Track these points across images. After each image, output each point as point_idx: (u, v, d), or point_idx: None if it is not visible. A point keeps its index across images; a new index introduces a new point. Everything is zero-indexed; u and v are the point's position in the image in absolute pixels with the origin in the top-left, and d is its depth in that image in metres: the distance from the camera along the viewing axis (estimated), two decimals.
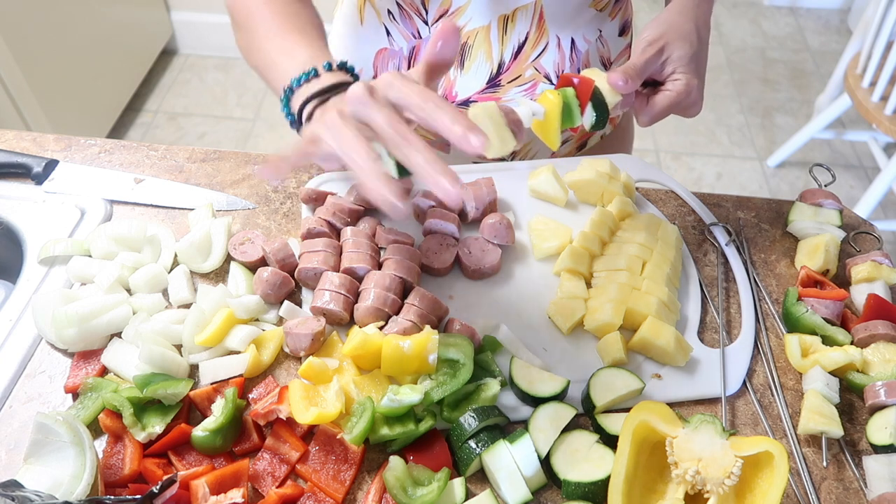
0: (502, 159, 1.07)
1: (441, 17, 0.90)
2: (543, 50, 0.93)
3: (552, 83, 0.96)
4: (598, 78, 0.75)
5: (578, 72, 0.97)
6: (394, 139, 0.58)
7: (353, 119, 0.61)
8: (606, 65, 1.01)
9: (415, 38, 0.93)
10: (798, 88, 2.99)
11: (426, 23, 0.91)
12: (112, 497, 0.61)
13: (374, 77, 1.00)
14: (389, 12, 0.93)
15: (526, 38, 0.92)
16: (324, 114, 0.65)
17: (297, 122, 0.72)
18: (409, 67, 0.96)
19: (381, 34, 0.96)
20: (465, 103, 0.97)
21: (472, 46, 0.92)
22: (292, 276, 0.84)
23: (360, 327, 0.76)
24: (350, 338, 0.75)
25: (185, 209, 0.93)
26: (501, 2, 0.87)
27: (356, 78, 0.74)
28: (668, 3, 0.89)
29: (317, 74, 0.72)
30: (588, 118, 0.75)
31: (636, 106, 0.80)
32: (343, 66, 0.73)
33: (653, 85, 0.80)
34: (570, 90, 0.73)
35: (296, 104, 0.72)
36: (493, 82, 0.95)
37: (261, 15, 0.81)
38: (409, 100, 0.58)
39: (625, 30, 1.02)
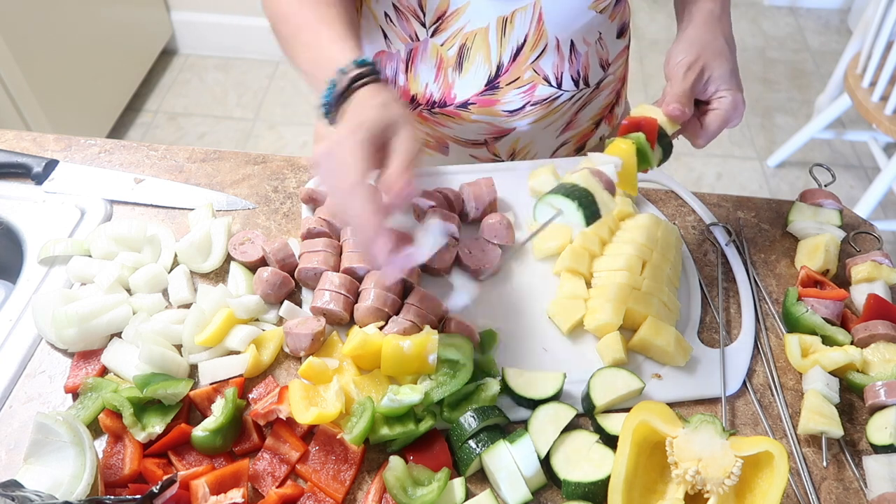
0: (509, 158, 1.07)
1: (439, 18, 0.89)
2: (542, 52, 0.93)
3: (551, 85, 0.96)
4: (654, 113, 0.78)
5: (578, 74, 0.97)
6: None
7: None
8: (605, 67, 1.01)
9: (412, 40, 0.93)
10: (798, 88, 2.99)
11: (423, 25, 0.90)
12: (112, 497, 0.61)
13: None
14: (386, 15, 0.93)
15: (525, 40, 0.91)
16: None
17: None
18: (406, 70, 0.96)
19: (378, 38, 0.96)
20: (465, 105, 0.97)
21: (471, 49, 0.91)
22: (292, 276, 0.84)
23: (360, 327, 0.76)
24: (350, 338, 0.75)
25: (185, 209, 0.93)
26: (500, 3, 0.87)
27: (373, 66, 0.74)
28: (681, 18, 0.89)
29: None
30: (657, 156, 0.79)
31: (690, 130, 0.82)
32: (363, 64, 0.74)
33: (695, 105, 0.82)
34: (641, 136, 0.76)
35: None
36: (492, 84, 0.95)
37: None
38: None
39: (622, 31, 1.02)
